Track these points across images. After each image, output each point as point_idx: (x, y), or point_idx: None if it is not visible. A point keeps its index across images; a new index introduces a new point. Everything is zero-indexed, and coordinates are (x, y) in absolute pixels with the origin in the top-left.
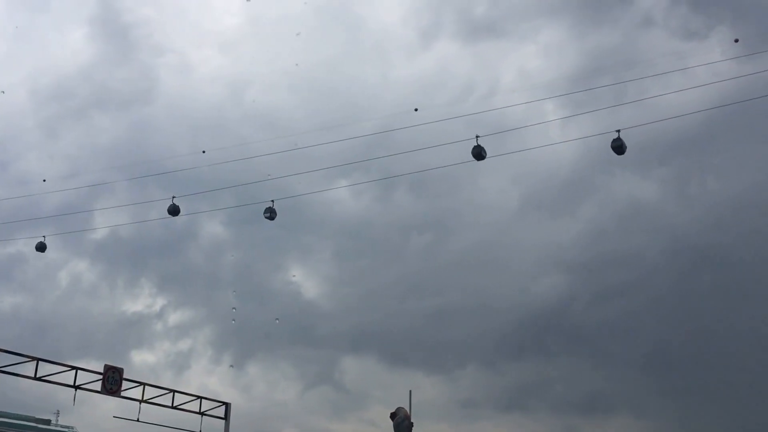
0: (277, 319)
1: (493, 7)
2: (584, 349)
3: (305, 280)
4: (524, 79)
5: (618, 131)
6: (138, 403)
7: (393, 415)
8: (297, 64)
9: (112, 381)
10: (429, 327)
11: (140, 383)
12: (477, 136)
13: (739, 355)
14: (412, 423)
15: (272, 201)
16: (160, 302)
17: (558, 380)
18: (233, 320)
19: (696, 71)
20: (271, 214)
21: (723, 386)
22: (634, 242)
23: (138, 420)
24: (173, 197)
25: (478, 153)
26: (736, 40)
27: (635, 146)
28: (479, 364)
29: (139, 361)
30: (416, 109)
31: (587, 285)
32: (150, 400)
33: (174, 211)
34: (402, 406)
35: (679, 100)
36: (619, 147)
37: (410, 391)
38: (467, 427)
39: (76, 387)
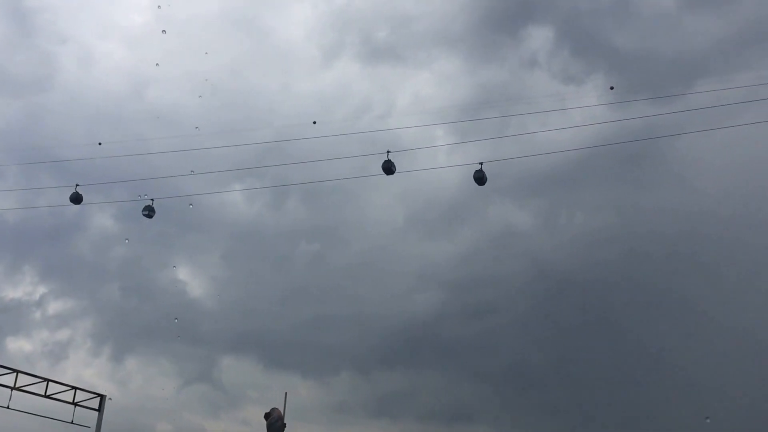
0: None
1: (394, 34)
2: (451, 362)
3: (192, 278)
4: (418, 104)
5: (481, 163)
6: (9, 390)
7: (267, 416)
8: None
9: None
10: (308, 332)
11: (13, 370)
12: (388, 151)
13: (591, 374)
14: (284, 424)
15: (152, 200)
16: (41, 290)
17: (425, 390)
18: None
19: (573, 113)
20: (149, 212)
21: (575, 402)
22: (505, 265)
23: (8, 407)
24: (77, 185)
25: (388, 168)
26: (612, 88)
27: (514, 177)
28: (353, 371)
29: (15, 349)
30: (314, 122)
31: (459, 302)
32: (22, 388)
33: (76, 199)
34: (276, 407)
35: (557, 137)
36: (480, 178)
37: (285, 393)
38: (337, 430)
39: None
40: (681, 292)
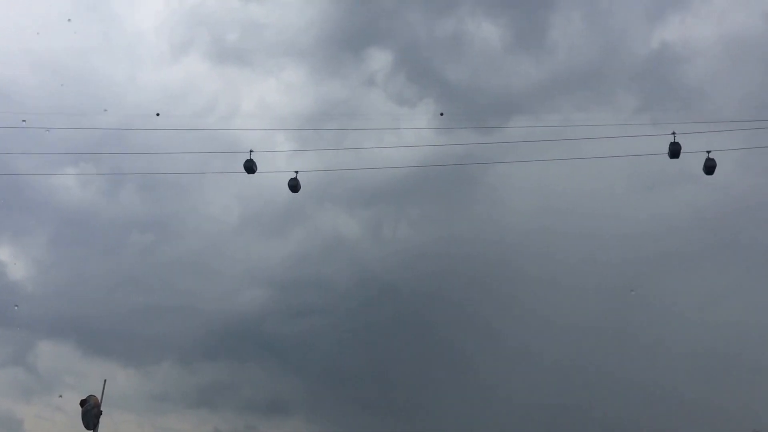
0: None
1: (245, 38)
2: (273, 357)
3: (13, 260)
4: (263, 109)
5: (296, 172)
6: None
7: (83, 402)
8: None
9: None
10: (133, 321)
11: None
12: (251, 151)
13: (401, 374)
14: (101, 411)
15: None
16: None
17: (246, 383)
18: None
19: (405, 133)
20: None
21: (386, 399)
22: (331, 270)
23: None
24: None
25: (250, 167)
26: (441, 114)
27: (349, 188)
28: (175, 362)
29: None
30: (158, 114)
31: (285, 301)
32: None
33: None
34: (94, 394)
35: (389, 154)
36: (293, 186)
37: (104, 381)
38: (154, 419)
39: None
40: (486, 304)
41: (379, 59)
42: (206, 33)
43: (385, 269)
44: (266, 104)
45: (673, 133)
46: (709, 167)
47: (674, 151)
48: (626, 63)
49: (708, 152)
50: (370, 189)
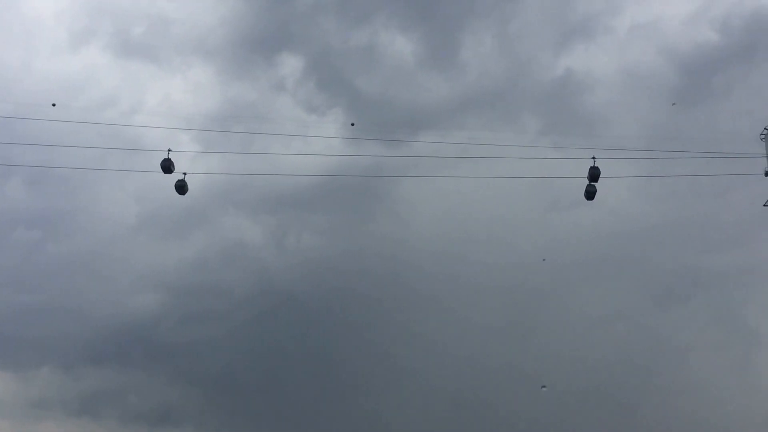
0: None
1: (151, 32)
2: (164, 365)
3: None
4: (167, 107)
5: (185, 173)
6: None
7: None
8: None
9: None
10: (13, 322)
11: None
12: (169, 150)
13: (295, 384)
14: None
15: None
16: None
17: (133, 391)
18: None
19: (313, 140)
20: None
21: (280, 410)
22: (231, 277)
23: None
24: None
25: (167, 167)
26: (353, 124)
27: (254, 193)
28: (57, 366)
29: None
30: (54, 105)
31: (180, 307)
32: None
33: None
34: None
35: (297, 161)
36: (181, 187)
37: None
38: (31, 427)
39: None
40: (381, 324)
41: (290, 64)
42: (110, 24)
43: (287, 279)
44: (171, 102)
45: (593, 158)
46: (590, 192)
47: (594, 175)
48: (532, 87)
49: (588, 177)
50: (276, 196)
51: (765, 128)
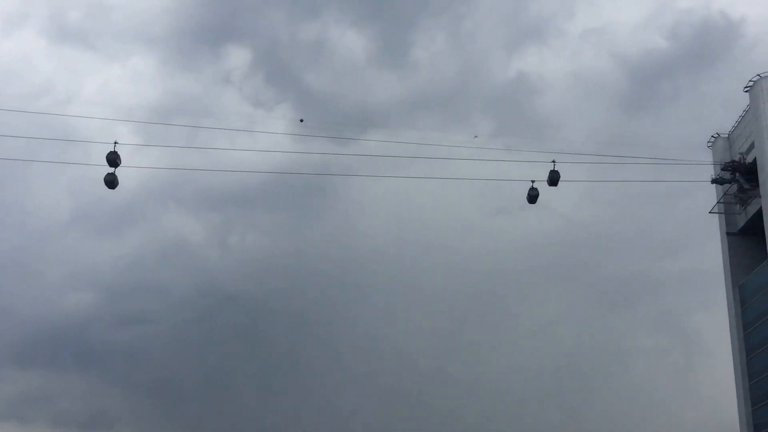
0: None
1: (88, 18)
2: (96, 367)
3: None
4: (105, 96)
5: (114, 167)
6: None
7: None
8: None
9: None
10: None
11: None
12: (115, 143)
13: (241, 387)
14: None
15: None
16: None
17: (63, 394)
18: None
19: (260, 136)
20: None
21: (223, 412)
22: (170, 276)
23: None
24: None
25: (113, 159)
26: (302, 120)
27: (197, 189)
28: None
29: None
30: None
31: (114, 307)
32: None
33: None
34: None
35: (242, 157)
36: (110, 182)
37: None
38: None
39: None
40: (329, 324)
41: (237, 57)
42: (44, 7)
43: (230, 279)
44: (109, 92)
45: (553, 162)
46: (532, 196)
47: (553, 179)
48: (484, 88)
49: (533, 182)
50: (220, 193)
51: (712, 136)
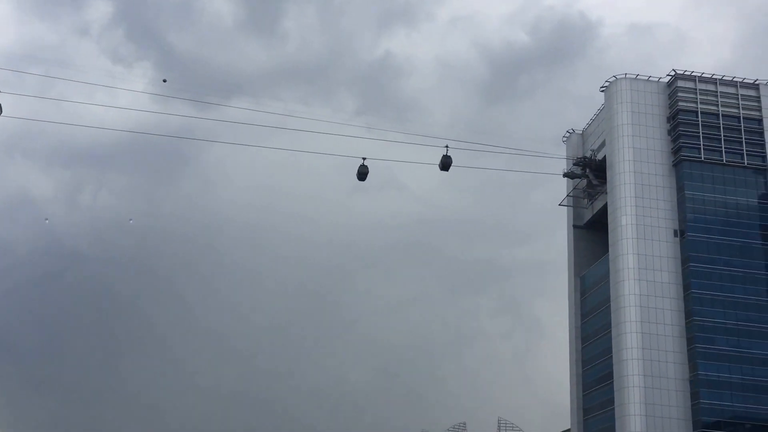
0: None
1: None
2: None
3: None
4: None
5: None
6: None
7: None
8: None
9: None
10: None
11: None
12: None
13: (84, 351)
14: None
15: None
16: None
17: None
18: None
19: (119, 93)
20: None
21: (64, 377)
22: (12, 233)
23: None
24: None
25: None
26: (164, 81)
27: (49, 143)
28: None
29: None
30: None
31: None
32: None
33: None
34: None
35: (99, 113)
36: None
37: None
38: None
39: None
40: (183, 285)
41: (97, 8)
42: None
43: (78, 239)
44: None
45: (447, 146)
46: (362, 173)
47: (446, 164)
48: (351, 65)
49: (363, 159)
50: (73, 148)
51: (568, 131)
